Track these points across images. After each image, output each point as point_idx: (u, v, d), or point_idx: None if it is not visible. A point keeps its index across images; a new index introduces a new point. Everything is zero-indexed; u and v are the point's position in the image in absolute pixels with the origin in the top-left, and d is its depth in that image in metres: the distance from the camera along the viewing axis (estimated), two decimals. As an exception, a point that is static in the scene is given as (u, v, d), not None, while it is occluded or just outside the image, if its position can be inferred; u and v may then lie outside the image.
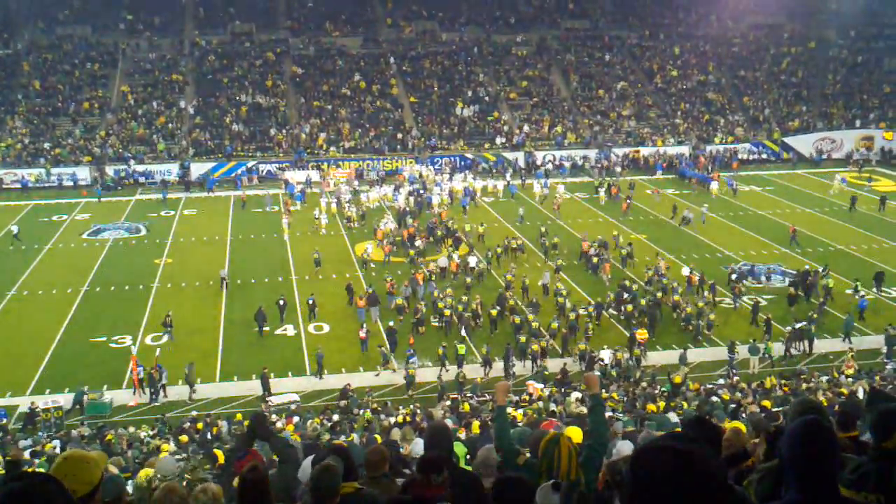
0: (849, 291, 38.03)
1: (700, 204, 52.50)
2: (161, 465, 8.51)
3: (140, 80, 69.83)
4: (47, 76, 68.51)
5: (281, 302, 36.24)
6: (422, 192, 54.08)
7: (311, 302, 36.25)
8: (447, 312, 34.98)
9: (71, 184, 59.46)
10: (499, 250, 43.08)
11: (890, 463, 3.90)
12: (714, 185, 57.16)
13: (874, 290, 38.64)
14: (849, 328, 34.04)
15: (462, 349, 31.91)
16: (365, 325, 33.98)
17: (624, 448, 6.45)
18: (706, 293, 37.38)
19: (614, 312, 36.44)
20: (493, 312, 35.12)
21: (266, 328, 34.53)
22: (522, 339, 32.46)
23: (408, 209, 50.45)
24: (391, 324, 33.73)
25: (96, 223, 50.66)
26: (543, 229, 46.45)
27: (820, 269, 39.84)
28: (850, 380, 26.36)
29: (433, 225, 47.36)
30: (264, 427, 7.86)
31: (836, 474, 3.26)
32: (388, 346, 32.45)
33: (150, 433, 25.07)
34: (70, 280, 40.58)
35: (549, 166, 64.99)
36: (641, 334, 32.48)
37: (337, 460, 5.53)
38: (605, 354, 31.87)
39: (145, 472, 8.98)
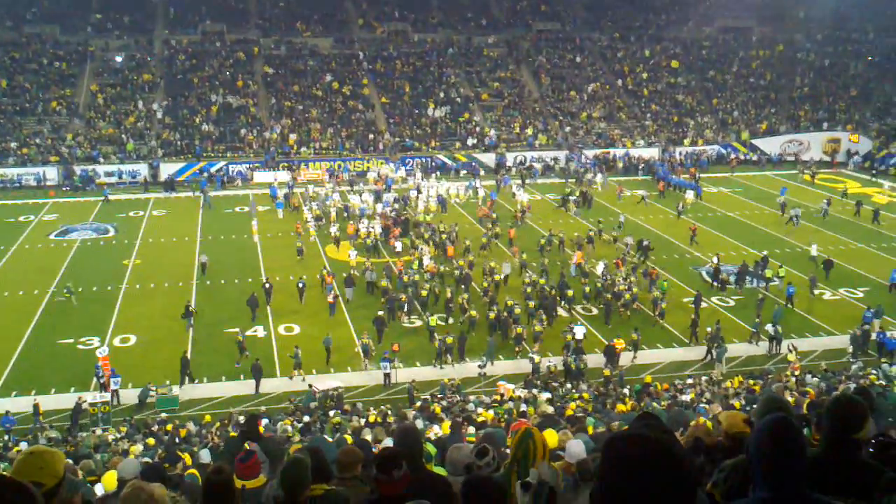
0: (775, 283, 39.57)
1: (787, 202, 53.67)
2: (123, 468, 8.43)
3: (109, 80, 69.15)
4: (14, 75, 67.63)
5: (267, 285, 37.41)
6: (406, 197, 53.89)
7: (300, 286, 37.50)
8: (423, 293, 36.81)
9: (35, 183, 58.79)
10: (443, 236, 45.09)
11: (855, 453, 3.93)
12: (689, 195, 56.17)
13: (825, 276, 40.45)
14: (778, 318, 34.59)
15: (434, 321, 33.93)
16: (333, 292, 36.31)
17: (573, 448, 6.40)
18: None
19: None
20: (465, 296, 36.23)
21: (247, 332, 34.32)
22: (492, 315, 34.27)
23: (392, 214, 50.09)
24: (380, 313, 34.30)
25: (64, 224, 50.08)
26: (494, 216, 49.67)
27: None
28: (815, 379, 26.60)
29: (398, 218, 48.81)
30: (256, 428, 7.84)
31: (805, 472, 3.28)
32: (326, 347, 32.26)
33: (118, 436, 24.82)
34: (37, 281, 40.06)
35: (514, 171, 64.74)
36: (619, 343, 32.40)
37: (307, 455, 5.56)
38: (579, 330, 32.80)
39: (111, 475, 8.90)
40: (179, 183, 59.75)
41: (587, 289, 38.00)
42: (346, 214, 50.73)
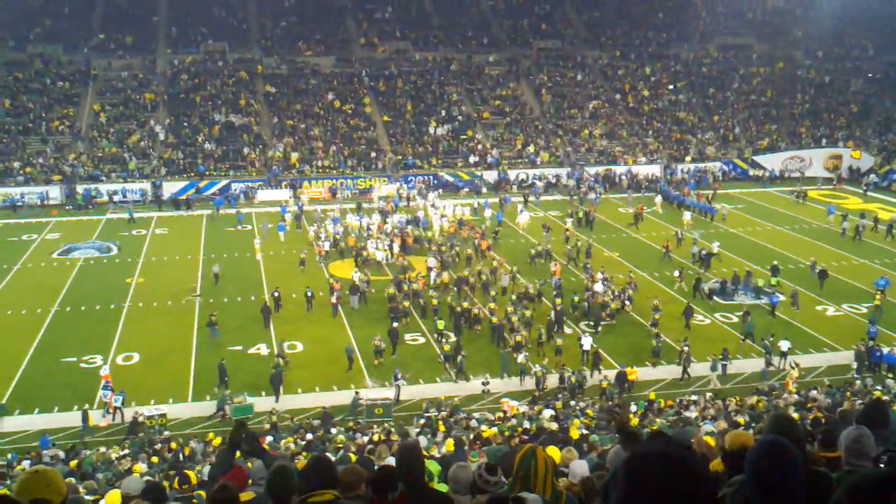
0: (763, 301, 39.49)
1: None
2: (127, 485, 8.41)
3: (111, 99, 69.43)
4: (17, 94, 67.89)
5: (276, 294, 38.34)
6: (417, 218, 53.56)
7: (309, 294, 38.29)
8: (434, 302, 37.37)
9: (38, 202, 58.84)
10: (443, 248, 46.03)
11: None
12: (686, 216, 54.71)
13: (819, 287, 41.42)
14: (751, 330, 34.84)
15: (441, 324, 34.80)
16: (336, 293, 37.50)
17: (577, 467, 6.39)
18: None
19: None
20: (465, 305, 36.76)
21: (249, 350, 34.40)
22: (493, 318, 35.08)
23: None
24: (395, 325, 34.88)
25: (67, 242, 50.13)
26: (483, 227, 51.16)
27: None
28: (821, 396, 26.52)
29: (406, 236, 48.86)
30: (241, 438, 7.67)
31: (801, 493, 3.26)
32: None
33: (121, 454, 24.74)
34: (40, 300, 40.08)
35: (516, 188, 65.00)
36: (632, 373, 31.98)
37: (290, 462, 5.54)
38: (587, 341, 32.93)
39: (114, 494, 8.88)
40: (184, 201, 59.75)
41: (576, 298, 38.28)
42: (366, 234, 50.25)
